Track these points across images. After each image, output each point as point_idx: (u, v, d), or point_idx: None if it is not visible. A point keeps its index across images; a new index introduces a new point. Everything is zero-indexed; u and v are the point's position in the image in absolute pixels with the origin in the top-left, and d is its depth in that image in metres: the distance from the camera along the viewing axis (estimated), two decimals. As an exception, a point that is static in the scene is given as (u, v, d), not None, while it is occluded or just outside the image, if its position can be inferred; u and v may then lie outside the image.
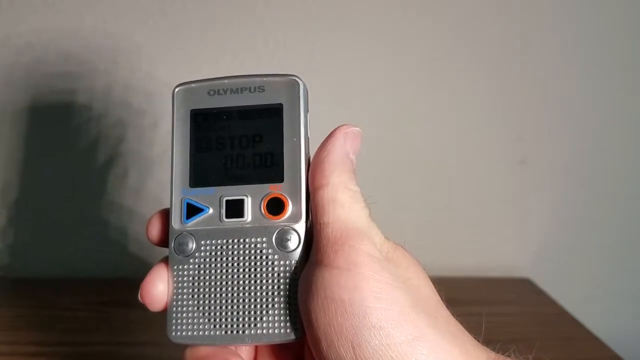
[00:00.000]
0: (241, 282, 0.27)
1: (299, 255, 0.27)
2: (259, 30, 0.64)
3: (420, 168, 0.70)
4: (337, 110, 0.64)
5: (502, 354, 0.25)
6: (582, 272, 0.76)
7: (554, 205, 0.74)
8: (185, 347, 0.28)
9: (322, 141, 0.27)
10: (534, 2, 0.67)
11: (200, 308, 0.27)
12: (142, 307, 0.56)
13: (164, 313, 0.28)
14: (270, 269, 0.26)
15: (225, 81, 0.29)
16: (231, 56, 0.64)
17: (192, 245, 0.27)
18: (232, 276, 0.27)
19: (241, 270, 0.27)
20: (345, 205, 0.25)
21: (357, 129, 0.27)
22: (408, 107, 0.69)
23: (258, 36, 0.64)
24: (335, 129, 0.27)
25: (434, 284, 0.26)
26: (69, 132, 0.64)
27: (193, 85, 0.29)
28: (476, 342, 0.25)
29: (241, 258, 0.27)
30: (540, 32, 0.68)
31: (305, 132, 0.28)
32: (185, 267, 0.27)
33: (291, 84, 0.28)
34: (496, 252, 0.75)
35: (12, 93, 0.63)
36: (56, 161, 0.65)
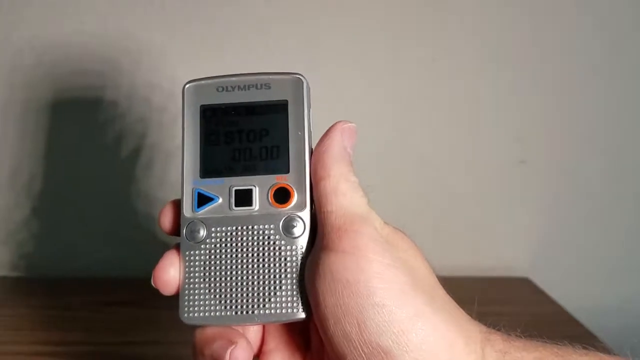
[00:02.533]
0: (250, 266, 0.28)
1: (304, 241, 0.28)
2: (257, 32, 0.64)
3: (420, 168, 0.70)
4: (336, 110, 0.64)
5: (493, 329, 0.27)
6: (582, 272, 0.76)
7: (554, 205, 0.74)
8: (194, 329, 0.29)
9: (321, 136, 0.29)
10: (534, 2, 0.67)
11: (211, 291, 0.28)
12: (143, 307, 0.56)
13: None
14: (277, 253, 0.28)
15: (233, 78, 0.30)
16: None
17: (203, 232, 0.29)
18: (242, 260, 0.28)
19: (250, 255, 0.28)
20: (347, 194, 0.27)
21: (353, 124, 0.29)
22: (407, 107, 0.69)
23: (257, 38, 0.64)
24: (333, 126, 0.29)
25: None
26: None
27: (202, 82, 0.30)
28: (469, 317, 0.27)
29: (250, 244, 0.28)
30: (540, 32, 0.68)
31: (309, 127, 0.30)
32: (197, 252, 0.29)
33: (296, 82, 0.30)
34: (496, 252, 0.75)
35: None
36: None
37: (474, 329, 0.26)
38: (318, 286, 0.25)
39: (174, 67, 0.63)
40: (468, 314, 0.27)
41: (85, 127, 0.65)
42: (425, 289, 0.26)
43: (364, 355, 0.24)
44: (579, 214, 0.75)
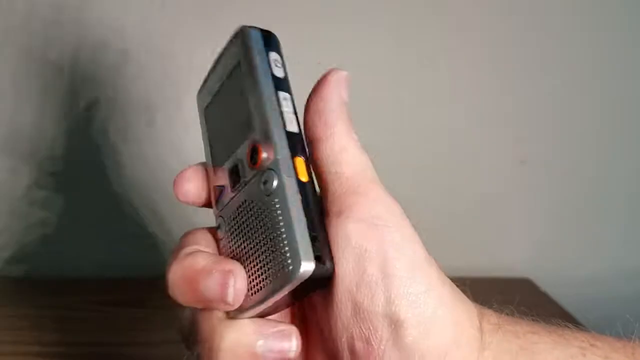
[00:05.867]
0: (254, 242, 0.26)
1: (284, 189, 0.24)
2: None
3: (420, 168, 0.70)
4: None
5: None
6: (582, 272, 0.76)
7: (554, 205, 0.74)
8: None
9: (313, 87, 0.26)
10: (534, 2, 0.67)
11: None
12: (143, 307, 0.56)
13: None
14: (267, 215, 0.25)
15: (211, 67, 0.30)
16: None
17: (223, 227, 0.28)
18: (248, 241, 0.26)
19: (251, 231, 0.26)
20: (356, 154, 0.26)
21: (347, 72, 0.27)
22: (407, 107, 0.69)
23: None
24: (326, 75, 0.26)
25: None
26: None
27: (201, 85, 0.31)
28: (463, 294, 0.27)
29: (248, 220, 0.26)
30: (540, 32, 0.68)
31: (266, 73, 0.26)
32: (222, 245, 0.28)
33: (240, 38, 0.27)
34: (496, 252, 0.75)
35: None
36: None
37: (471, 304, 0.26)
38: (333, 255, 0.24)
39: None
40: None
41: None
42: (433, 262, 0.25)
43: (371, 328, 0.23)
44: (579, 214, 0.75)
